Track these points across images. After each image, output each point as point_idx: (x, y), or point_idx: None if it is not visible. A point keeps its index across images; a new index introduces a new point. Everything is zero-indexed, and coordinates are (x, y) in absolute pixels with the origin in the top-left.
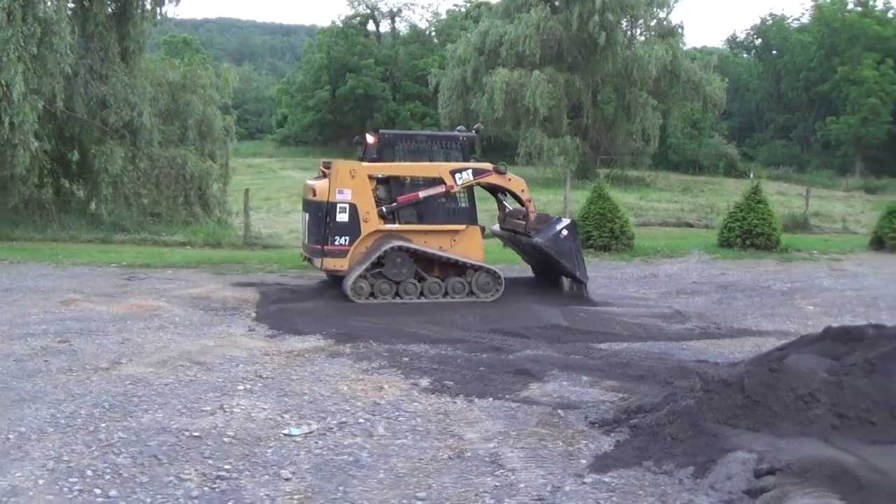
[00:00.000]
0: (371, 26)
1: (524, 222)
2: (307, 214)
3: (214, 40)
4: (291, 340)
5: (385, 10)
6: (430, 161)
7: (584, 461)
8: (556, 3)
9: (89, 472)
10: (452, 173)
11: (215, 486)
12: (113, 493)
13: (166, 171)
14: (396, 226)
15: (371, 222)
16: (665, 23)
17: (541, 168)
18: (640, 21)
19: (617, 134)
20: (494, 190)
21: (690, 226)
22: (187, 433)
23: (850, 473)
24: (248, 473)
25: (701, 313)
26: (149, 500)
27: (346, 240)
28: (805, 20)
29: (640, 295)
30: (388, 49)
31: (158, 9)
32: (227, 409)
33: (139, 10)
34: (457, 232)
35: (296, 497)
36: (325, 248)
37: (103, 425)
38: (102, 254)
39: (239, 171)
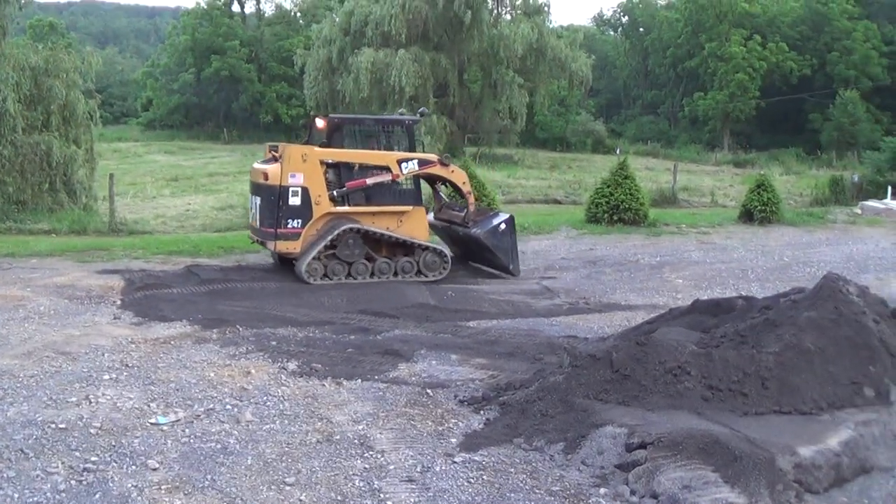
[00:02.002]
0: (236, 7)
1: (462, 213)
2: (258, 198)
3: (78, 23)
4: (157, 327)
5: None
6: (378, 143)
7: (454, 440)
8: None
9: None
10: (399, 162)
11: (82, 478)
12: None
13: (30, 157)
14: (346, 208)
15: (322, 205)
16: (531, 1)
17: None
18: (506, 0)
19: (484, 112)
20: (434, 180)
21: (558, 202)
22: (53, 425)
23: (722, 445)
24: (115, 465)
25: (569, 289)
26: (16, 495)
27: (298, 223)
28: None
29: None
30: (253, 30)
31: None
32: (92, 400)
33: None
34: (403, 213)
35: (163, 487)
36: (278, 231)
37: None
38: None
39: (104, 155)
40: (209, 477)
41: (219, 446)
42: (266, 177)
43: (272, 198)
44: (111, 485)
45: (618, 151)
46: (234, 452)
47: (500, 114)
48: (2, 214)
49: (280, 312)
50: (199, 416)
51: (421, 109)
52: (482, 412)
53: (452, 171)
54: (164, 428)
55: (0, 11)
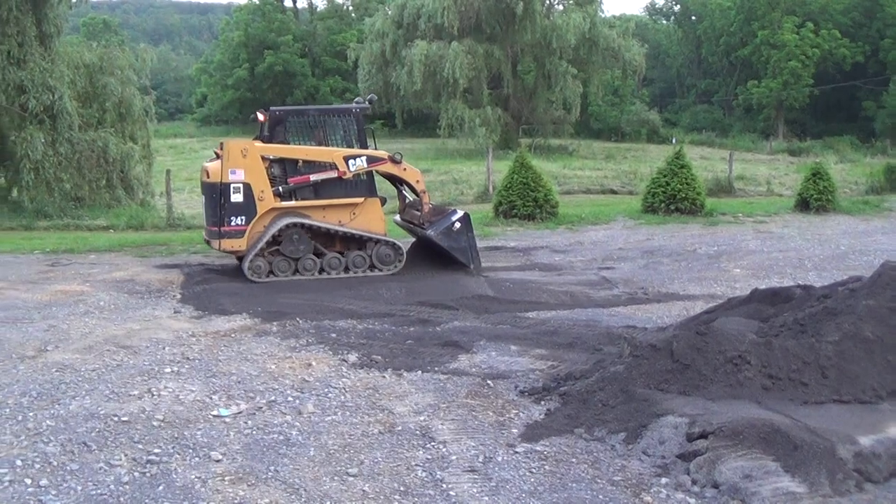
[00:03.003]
0: (288, 2)
1: (420, 213)
2: (204, 197)
3: (131, 21)
4: (217, 321)
5: None
6: (325, 135)
7: (515, 431)
8: None
9: (19, 462)
10: (346, 159)
11: (146, 470)
12: (44, 482)
13: (87, 154)
14: (293, 202)
15: (266, 201)
16: None
17: (463, 140)
18: None
19: (538, 103)
20: (392, 179)
21: (614, 192)
22: (116, 418)
23: (782, 434)
24: (178, 456)
25: (628, 279)
26: (80, 487)
27: (242, 220)
28: None
29: (566, 263)
30: (305, 25)
31: None
32: (154, 393)
33: None
34: (356, 205)
35: (227, 478)
36: (222, 229)
37: (31, 414)
38: (25, 241)
39: (160, 152)
40: (272, 468)
41: (281, 437)
42: (208, 174)
43: (214, 195)
44: (174, 476)
45: (673, 141)
46: (297, 444)
47: (555, 104)
48: (60, 211)
49: (339, 305)
50: (261, 407)
51: (370, 96)
52: (543, 403)
53: (405, 170)
54: (227, 420)
55: (53, 11)
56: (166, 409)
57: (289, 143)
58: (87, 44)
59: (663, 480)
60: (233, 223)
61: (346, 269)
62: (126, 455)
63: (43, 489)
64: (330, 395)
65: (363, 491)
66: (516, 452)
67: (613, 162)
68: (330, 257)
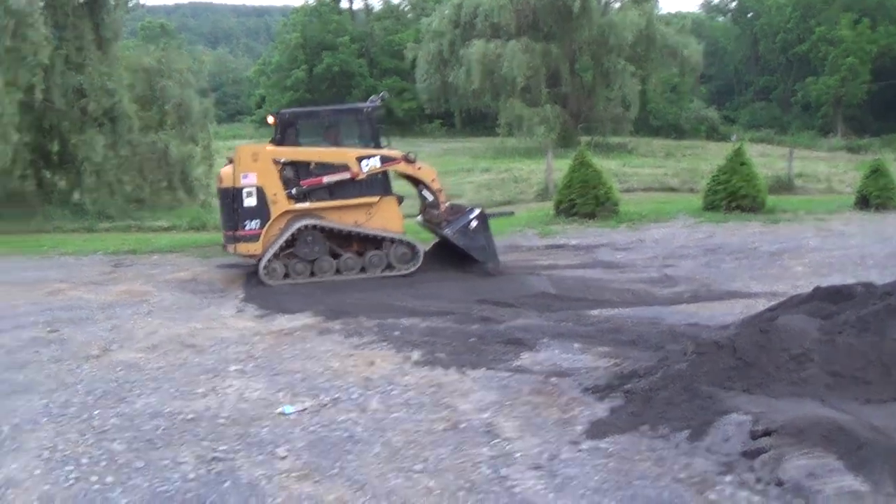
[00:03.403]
0: (344, 3)
1: (438, 213)
2: (220, 202)
3: (188, 24)
4: (281, 319)
5: None
6: (338, 135)
7: (579, 428)
8: None
9: (85, 460)
10: (359, 160)
11: (211, 467)
12: (109, 479)
13: (148, 156)
14: (307, 204)
15: (280, 203)
16: None
17: (521, 138)
18: None
19: (597, 101)
20: (410, 179)
21: (674, 190)
22: (181, 416)
23: (846, 433)
24: (243, 454)
25: (690, 277)
26: (146, 484)
27: (256, 223)
28: None
29: (627, 260)
30: (362, 25)
31: None
32: (219, 391)
33: None
34: (371, 205)
35: (293, 475)
36: (237, 233)
37: (97, 412)
38: (88, 242)
39: (221, 153)
40: (337, 465)
41: (346, 434)
42: (220, 180)
43: (227, 200)
44: (240, 473)
45: (733, 138)
46: (362, 440)
47: (613, 102)
48: (121, 212)
49: (401, 303)
50: (326, 405)
51: (382, 93)
52: (606, 400)
53: (419, 169)
54: (292, 417)
55: (110, 16)
56: (231, 406)
57: (300, 146)
58: (145, 47)
59: (727, 478)
60: (247, 227)
61: (363, 270)
62: (192, 452)
63: (109, 486)
64: (394, 392)
65: (428, 487)
66: (581, 450)
67: (673, 159)
68: (346, 258)
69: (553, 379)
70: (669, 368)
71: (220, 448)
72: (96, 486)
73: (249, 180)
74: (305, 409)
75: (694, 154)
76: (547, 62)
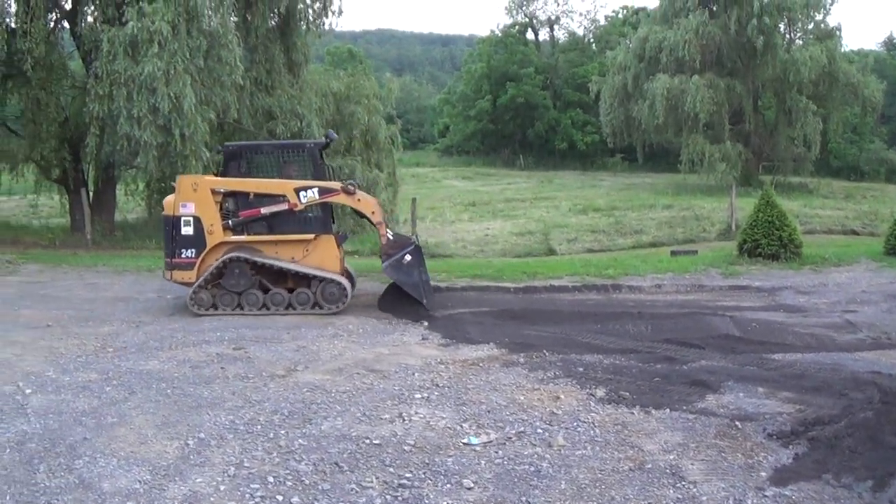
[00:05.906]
0: (530, 35)
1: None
2: (164, 229)
3: (373, 51)
4: (465, 349)
5: (543, 18)
6: (280, 170)
7: (764, 474)
8: (714, 8)
9: (270, 479)
10: (297, 191)
11: (397, 493)
12: (295, 499)
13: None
14: (244, 237)
15: (216, 234)
16: (822, 25)
17: (703, 175)
18: (798, 24)
19: (779, 140)
20: (356, 212)
21: (856, 233)
22: (367, 441)
23: None
24: (429, 482)
25: (872, 323)
26: None
27: (192, 252)
28: None
29: (810, 304)
30: (547, 57)
31: (322, 20)
32: (405, 418)
33: (303, 23)
34: (308, 242)
35: None
36: (174, 260)
37: (283, 432)
38: None
39: (404, 180)
40: (523, 499)
41: (532, 469)
42: (164, 207)
43: (168, 228)
44: (426, 501)
45: None
46: (548, 476)
47: (795, 141)
48: None
49: (584, 339)
50: (511, 438)
51: (328, 132)
52: (791, 447)
53: (359, 200)
54: (477, 448)
55: (301, 39)
56: (417, 434)
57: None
58: (334, 72)
59: None
60: (183, 255)
61: (289, 307)
62: (377, 478)
63: None
64: (579, 429)
65: None
66: (766, 496)
67: (853, 201)
68: (273, 293)
69: (738, 423)
70: (854, 417)
71: (406, 475)
72: None
73: (188, 210)
74: (491, 441)
75: (873, 196)
76: (730, 98)
